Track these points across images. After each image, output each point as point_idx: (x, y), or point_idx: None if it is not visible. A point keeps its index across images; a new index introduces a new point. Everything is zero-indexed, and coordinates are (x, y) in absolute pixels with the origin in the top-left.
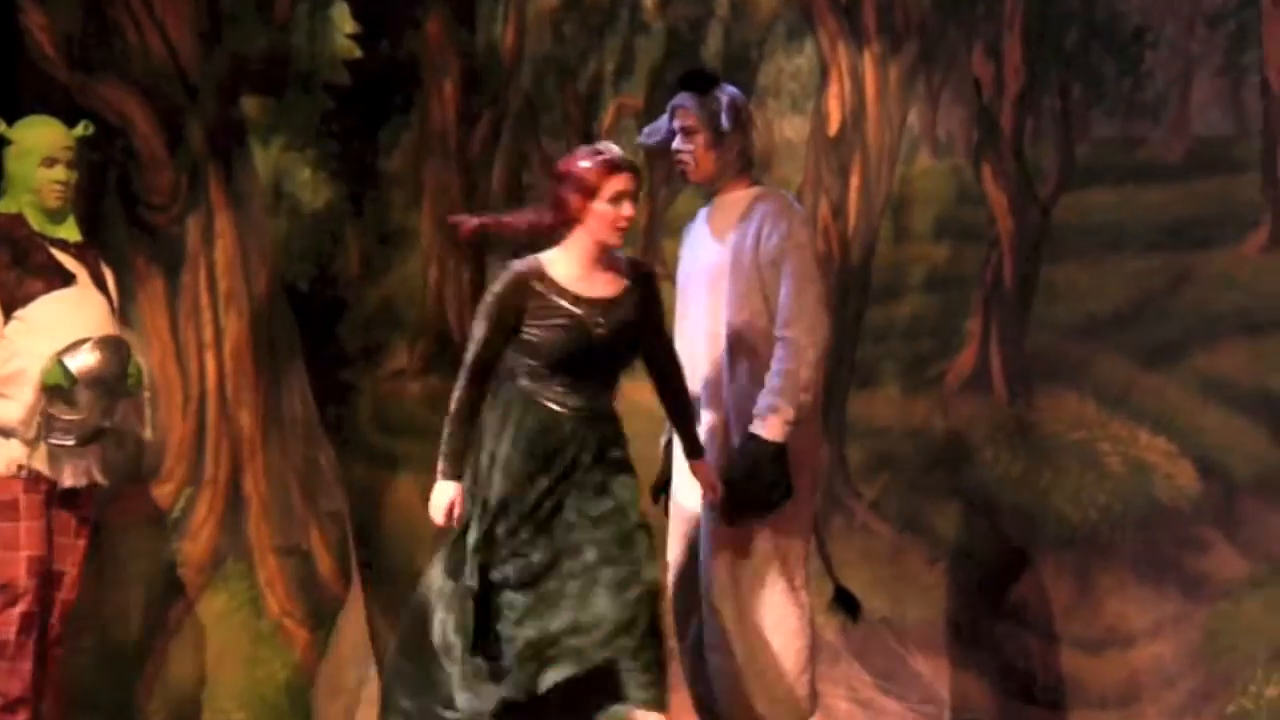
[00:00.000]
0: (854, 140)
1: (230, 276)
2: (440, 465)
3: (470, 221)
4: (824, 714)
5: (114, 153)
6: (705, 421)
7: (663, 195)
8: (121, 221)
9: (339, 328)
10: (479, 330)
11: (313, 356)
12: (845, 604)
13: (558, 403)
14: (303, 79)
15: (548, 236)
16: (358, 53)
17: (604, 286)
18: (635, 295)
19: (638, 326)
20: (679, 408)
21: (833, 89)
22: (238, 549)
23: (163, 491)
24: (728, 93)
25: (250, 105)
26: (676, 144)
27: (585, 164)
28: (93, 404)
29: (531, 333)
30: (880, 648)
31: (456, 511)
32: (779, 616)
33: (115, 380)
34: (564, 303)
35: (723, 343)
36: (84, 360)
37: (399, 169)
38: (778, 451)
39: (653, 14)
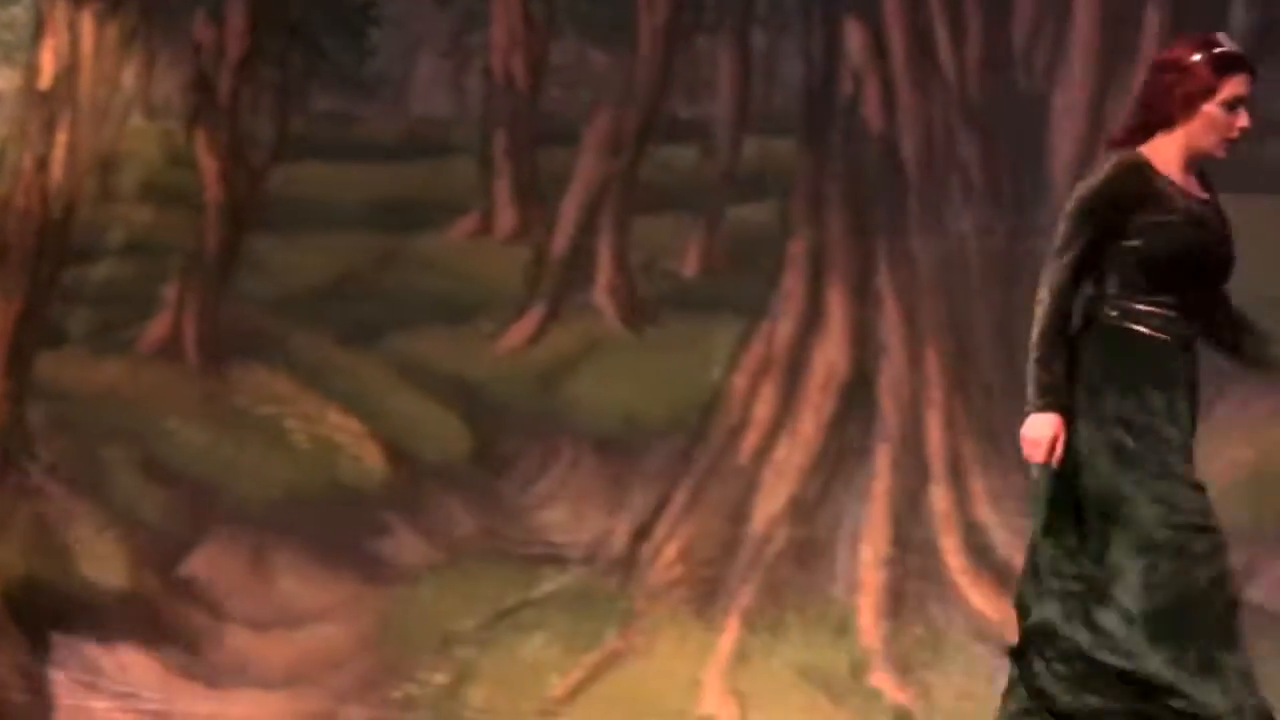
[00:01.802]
0: (66, 96)
1: None
2: (1033, 395)
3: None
4: None
5: None
6: None
7: None
8: None
9: None
10: (1079, 226)
11: None
12: None
13: (1159, 330)
14: None
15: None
16: None
17: (1201, 192)
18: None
19: (1232, 246)
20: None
21: (48, 42)
22: None
23: None
24: None
25: None
26: None
27: (1198, 57)
28: None
29: (1138, 237)
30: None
31: (1058, 450)
32: None
33: None
34: (1181, 199)
35: None
36: None
37: None
38: None
39: None
